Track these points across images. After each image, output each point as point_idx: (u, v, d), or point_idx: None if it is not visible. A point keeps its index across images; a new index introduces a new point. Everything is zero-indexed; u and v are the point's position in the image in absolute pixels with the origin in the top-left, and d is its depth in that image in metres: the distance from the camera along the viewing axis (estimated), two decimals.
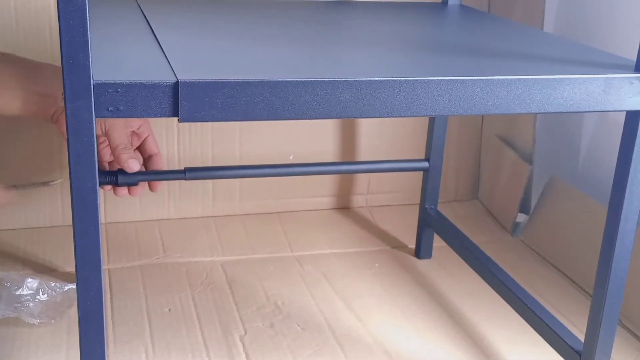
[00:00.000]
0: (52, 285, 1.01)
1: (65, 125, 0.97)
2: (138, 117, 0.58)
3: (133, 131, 1.02)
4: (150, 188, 1.03)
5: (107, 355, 0.65)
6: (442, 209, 1.24)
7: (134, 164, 0.95)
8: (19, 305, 0.98)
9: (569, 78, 0.69)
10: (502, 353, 0.99)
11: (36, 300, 0.99)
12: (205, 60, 0.70)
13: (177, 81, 0.59)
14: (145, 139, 1.03)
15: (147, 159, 1.05)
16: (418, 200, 1.23)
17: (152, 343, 0.96)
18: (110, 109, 0.58)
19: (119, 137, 0.96)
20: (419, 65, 0.75)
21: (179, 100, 0.59)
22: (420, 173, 1.23)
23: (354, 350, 0.97)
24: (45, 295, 1.00)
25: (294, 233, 1.29)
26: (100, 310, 0.62)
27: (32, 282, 1.00)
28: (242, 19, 0.92)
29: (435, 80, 0.65)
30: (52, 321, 0.98)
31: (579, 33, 1.23)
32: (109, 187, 0.98)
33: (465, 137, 1.42)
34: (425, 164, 1.18)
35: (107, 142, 0.98)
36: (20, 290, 0.99)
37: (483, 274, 1.05)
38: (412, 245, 1.26)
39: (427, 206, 1.21)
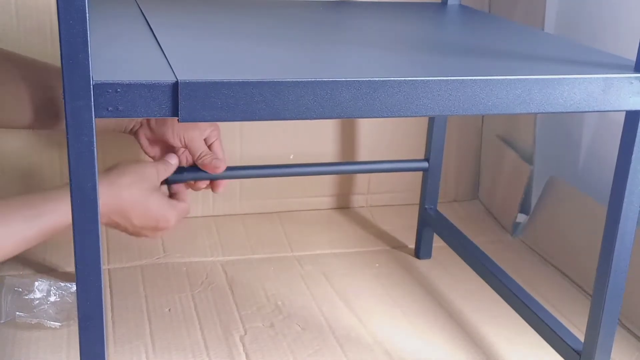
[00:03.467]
0: (62, 285, 1.01)
1: (142, 137, 1.01)
2: (138, 117, 0.58)
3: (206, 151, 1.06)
4: (212, 188, 1.07)
5: (107, 356, 0.65)
6: (443, 209, 1.24)
7: (218, 163, 1.02)
8: (35, 310, 0.98)
9: (569, 78, 0.69)
10: (502, 353, 0.99)
11: (49, 302, 0.99)
12: (205, 60, 0.70)
13: (177, 81, 0.59)
14: (211, 144, 1.06)
15: None
16: (418, 200, 1.23)
17: (152, 343, 0.97)
18: (110, 108, 0.58)
19: (199, 146, 1.03)
20: (419, 65, 0.75)
21: (179, 101, 0.59)
22: (421, 173, 1.23)
23: (354, 350, 0.97)
24: (57, 297, 1.00)
25: (294, 233, 1.29)
26: (100, 310, 0.62)
27: (41, 285, 1.00)
28: (242, 19, 0.92)
29: (435, 80, 0.65)
30: (72, 322, 0.98)
31: (579, 33, 1.23)
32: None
33: (465, 137, 1.42)
34: (425, 164, 1.18)
35: (185, 152, 1.05)
36: (32, 294, 0.99)
37: (483, 274, 1.05)
38: (412, 245, 1.26)
39: (426, 206, 1.21)
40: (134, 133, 1.05)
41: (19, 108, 0.97)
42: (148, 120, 1.04)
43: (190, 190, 1.06)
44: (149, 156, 1.06)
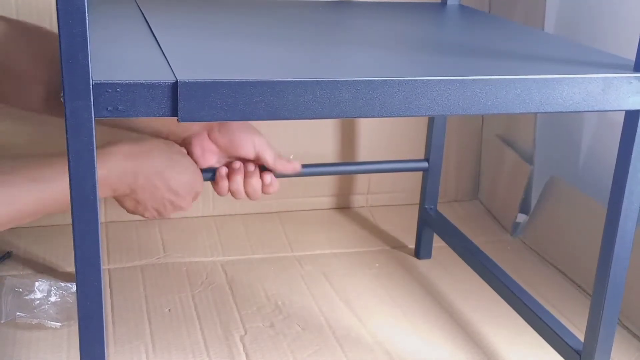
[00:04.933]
0: (63, 285, 1.01)
1: (196, 147, 0.99)
2: (137, 116, 0.58)
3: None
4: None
5: (108, 356, 0.65)
6: (443, 209, 1.24)
7: (296, 165, 1.02)
8: (36, 310, 0.98)
9: (568, 78, 0.69)
10: (502, 353, 0.99)
11: (49, 302, 0.99)
12: (204, 60, 0.70)
13: (177, 81, 0.59)
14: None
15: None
16: (418, 200, 1.23)
17: (153, 343, 0.97)
18: (109, 108, 0.58)
19: (271, 154, 1.00)
20: (418, 65, 0.75)
21: (178, 100, 0.59)
22: (421, 173, 1.23)
23: (354, 350, 0.97)
24: (57, 297, 1.00)
25: (294, 233, 1.29)
26: (100, 310, 0.62)
27: (42, 285, 1.00)
28: (241, 19, 0.92)
29: (435, 80, 0.65)
30: (72, 322, 0.98)
31: (579, 33, 1.23)
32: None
33: (465, 137, 1.42)
34: (425, 164, 1.18)
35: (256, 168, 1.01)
36: (32, 295, 0.99)
37: (482, 274, 1.05)
38: (412, 245, 1.26)
39: (426, 206, 1.21)
40: (188, 144, 1.01)
41: (32, 89, 0.95)
42: (209, 134, 1.00)
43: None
44: (199, 166, 1.01)
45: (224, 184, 0.99)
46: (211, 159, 1.01)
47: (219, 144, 1.00)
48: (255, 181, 0.99)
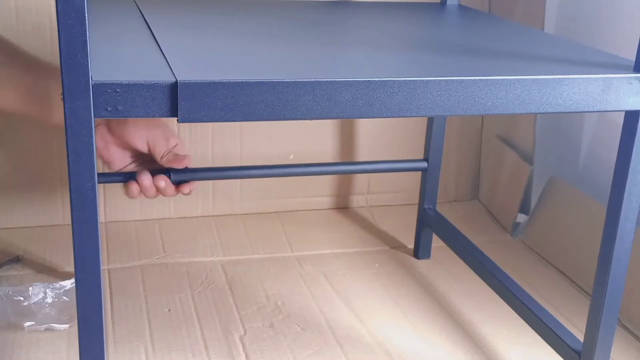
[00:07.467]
0: (57, 285, 1.01)
1: (98, 138, 0.98)
2: (137, 117, 0.58)
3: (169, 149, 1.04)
4: (181, 190, 1.03)
5: (107, 356, 0.65)
6: (443, 209, 1.24)
7: (182, 156, 1.00)
8: (41, 316, 0.97)
9: (568, 78, 0.69)
10: (502, 353, 0.99)
11: (46, 304, 0.99)
12: (204, 60, 0.70)
13: (176, 81, 0.59)
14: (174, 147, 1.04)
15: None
16: (417, 200, 1.23)
17: (152, 343, 0.97)
18: (109, 109, 0.58)
19: (162, 146, 1.00)
20: (418, 65, 0.75)
21: (178, 101, 0.59)
22: (420, 173, 1.22)
23: (354, 351, 0.97)
24: (53, 298, 0.99)
25: (294, 233, 1.29)
26: (99, 310, 0.62)
27: (36, 288, 0.99)
28: (241, 19, 0.92)
29: (434, 80, 0.66)
30: (73, 322, 0.98)
31: (579, 33, 1.23)
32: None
33: (465, 137, 1.42)
34: (424, 164, 1.18)
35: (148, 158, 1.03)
36: (28, 301, 0.99)
37: (482, 273, 1.05)
38: (412, 246, 1.26)
39: (425, 206, 1.21)
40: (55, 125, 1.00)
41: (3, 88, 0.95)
42: (108, 126, 1.01)
43: (190, 188, 1.04)
44: (104, 160, 1.02)
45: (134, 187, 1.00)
46: (115, 151, 1.01)
47: (115, 135, 1.01)
48: (149, 184, 1.00)
